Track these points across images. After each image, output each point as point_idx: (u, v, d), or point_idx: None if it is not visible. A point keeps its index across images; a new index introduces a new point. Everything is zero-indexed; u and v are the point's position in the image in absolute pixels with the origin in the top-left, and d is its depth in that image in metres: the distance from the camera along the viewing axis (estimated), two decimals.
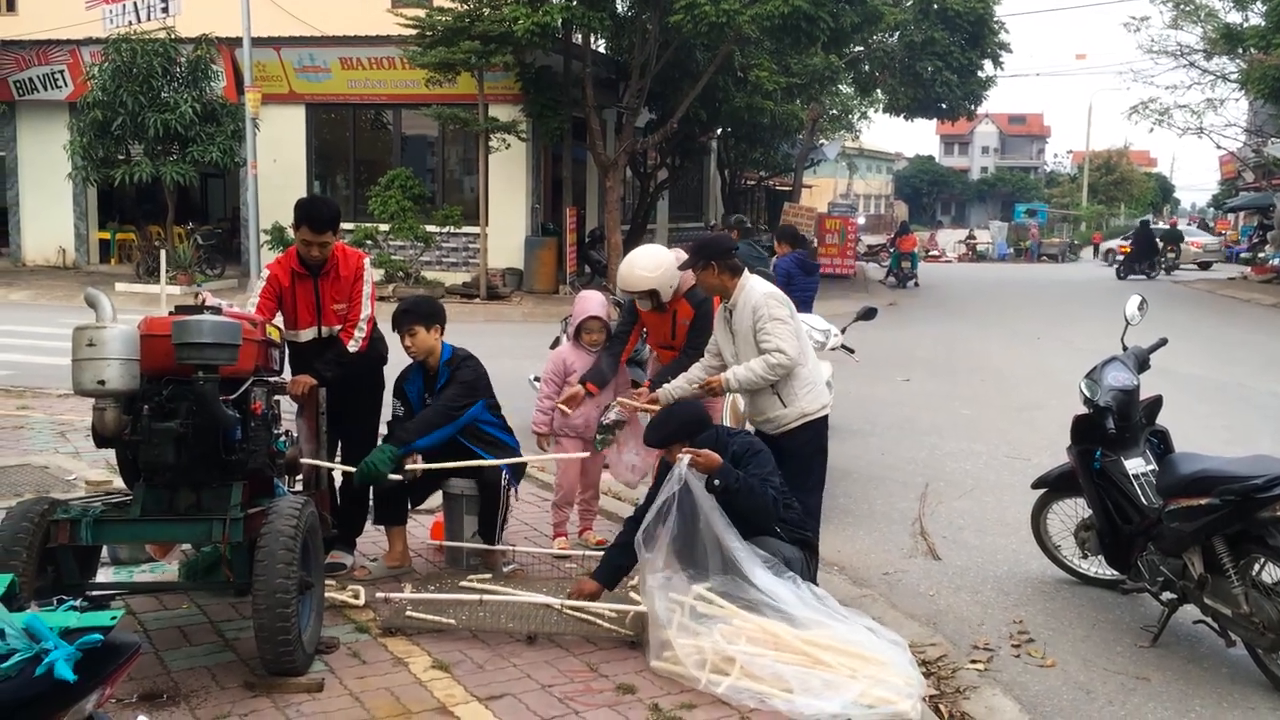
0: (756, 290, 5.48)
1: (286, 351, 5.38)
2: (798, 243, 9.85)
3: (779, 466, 5.10)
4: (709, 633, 4.40)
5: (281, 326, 5.43)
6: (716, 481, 4.73)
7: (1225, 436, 9.40)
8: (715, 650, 4.32)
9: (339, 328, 5.56)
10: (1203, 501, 4.74)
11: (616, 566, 5.01)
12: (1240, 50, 28.34)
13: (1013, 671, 4.89)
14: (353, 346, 5.54)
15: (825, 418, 5.66)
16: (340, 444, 5.77)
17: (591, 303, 6.35)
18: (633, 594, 4.98)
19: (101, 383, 4.13)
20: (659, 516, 4.63)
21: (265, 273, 5.59)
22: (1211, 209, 67.56)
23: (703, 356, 5.81)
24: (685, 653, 4.35)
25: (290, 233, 5.73)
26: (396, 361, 5.85)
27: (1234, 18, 29.38)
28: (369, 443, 5.62)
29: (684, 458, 4.77)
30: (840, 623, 4.50)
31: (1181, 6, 31.04)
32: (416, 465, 5.38)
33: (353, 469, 5.34)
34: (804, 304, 9.26)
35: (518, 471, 5.87)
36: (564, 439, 6.29)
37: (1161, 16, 34.24)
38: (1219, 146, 38.49)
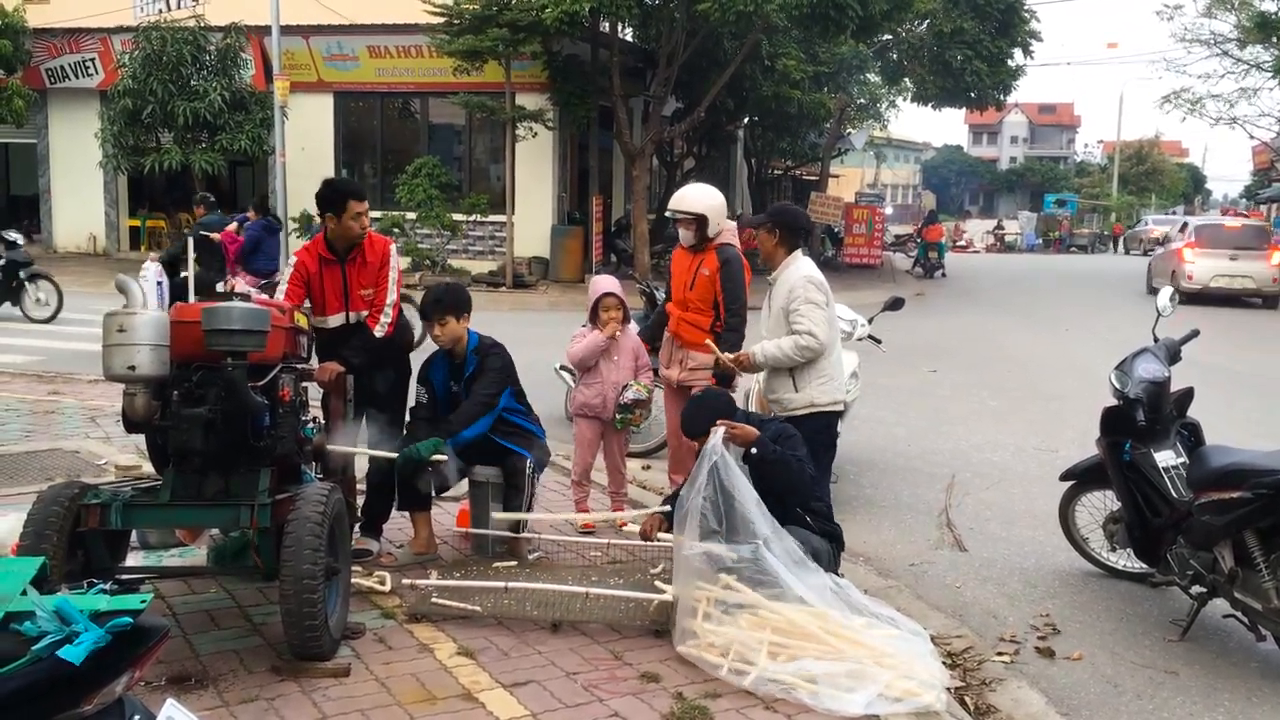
0: (798, 271, 5.56)
1: (314, 339, 5.41)
2: (265, 210, 12.84)
3: None
4: (734, 622, 4.40)
5: (309, 313, 5.46)
6: (754, 450, 4.76)
7: (1257, 430, 9.30)
8: (740, 640, 4.31)
9: (366, 313, 5.59)
10: (1234, 495, 4.70)
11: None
12: (1275, 39, 27.99)
13: (1039, 664, 4.86)
14: (379, 331, 5.57)
15: (836, 413, 5.67)
16: (366, 430, 5.79)
17: (605, 282, 6.42)
18: (658, 583, 4.98)
19: (132, 368, 4.17)
20: (693, 492, 4.62)
21: (293, 259, 5.64)
22: (1244, 200, 66.77)
23: (741, 319, 5.94)
24: (710, 641, 4.35)
25: (318, 220, 5.79)
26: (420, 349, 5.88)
27: (1269, 6, 29.00)
28: (394, 429, 5.63)
29: (718, 430, 4.79)
30: (863, 617, 4.49)
31: None
32: (385, 453, 5.39)
33: (393, 455, 5.35)
34: (271, 260, 12.62)
35: (542, 459, 5.88)
36: (581, 419, 6.33)
37: (1195, 5, 33.93)
38: (1252, 136, 38.06)
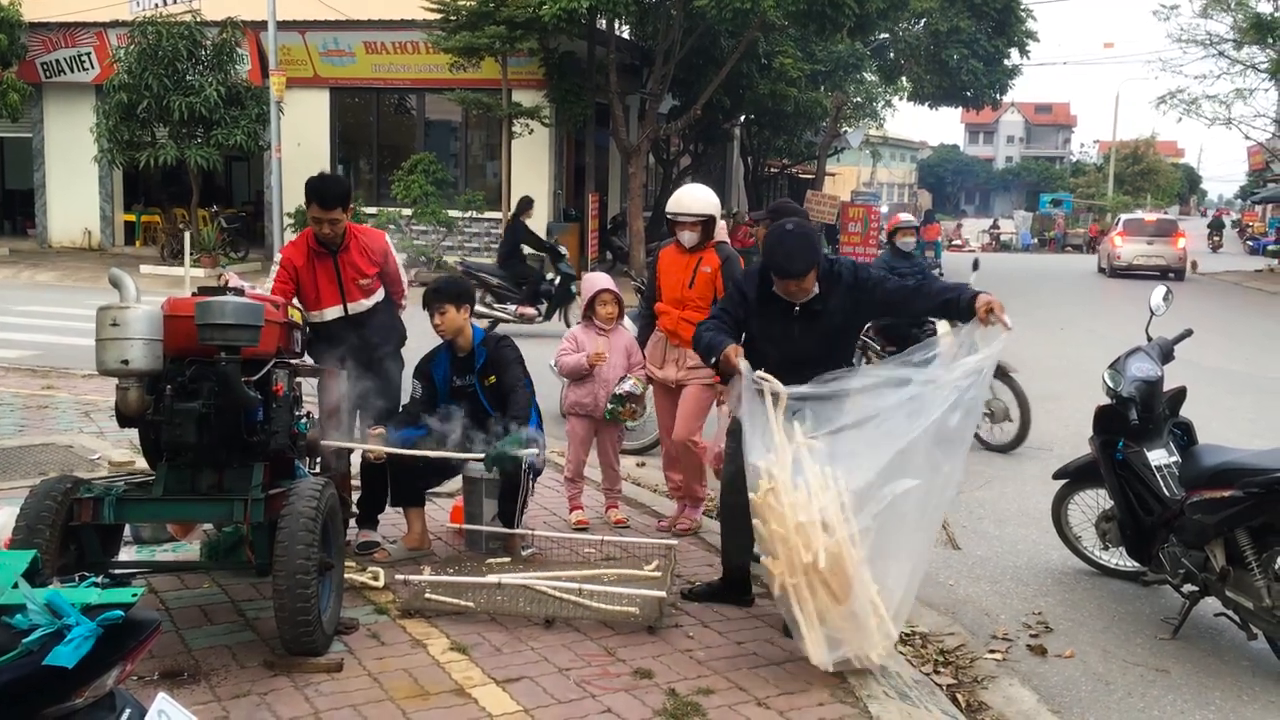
0: None
1: (307, 334, 5.40)
2: None
3: None
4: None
5: (302, 309, 5.46)
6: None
7: (1250, 429, 9.32)
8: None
9: (365, 303, 5.60)
10: (1226, 494, 4.71)
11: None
12: (1270, 40, 28.05)
13: (1031, 662, 4.87)
14: (406, 303, 6.01)
15: None
16: (359, 426, 5.79)
17: (600, 279, 6.46)
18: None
19: (125, 362, 4.16)
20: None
21: (278, 257, 5.63)
22: (1239, 200, 66.90)
23: None
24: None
25: None
26: (414, 346, 5.88)
27: (1264, 7, 29.07)
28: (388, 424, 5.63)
29: (999, 319, 4.30)
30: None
31: None
32: (379, 448, 5.38)
33: (479, 457, 5.33)
34: None
35: (539, 455, 5.87)
36: (573, 417, 6.34)
37: (1191, 5, 33.95)
38: (1247, 137, 38.10)
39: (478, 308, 13.63)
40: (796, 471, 4.24)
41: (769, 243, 4.82)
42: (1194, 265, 30.25)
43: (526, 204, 15.86)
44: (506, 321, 14.25)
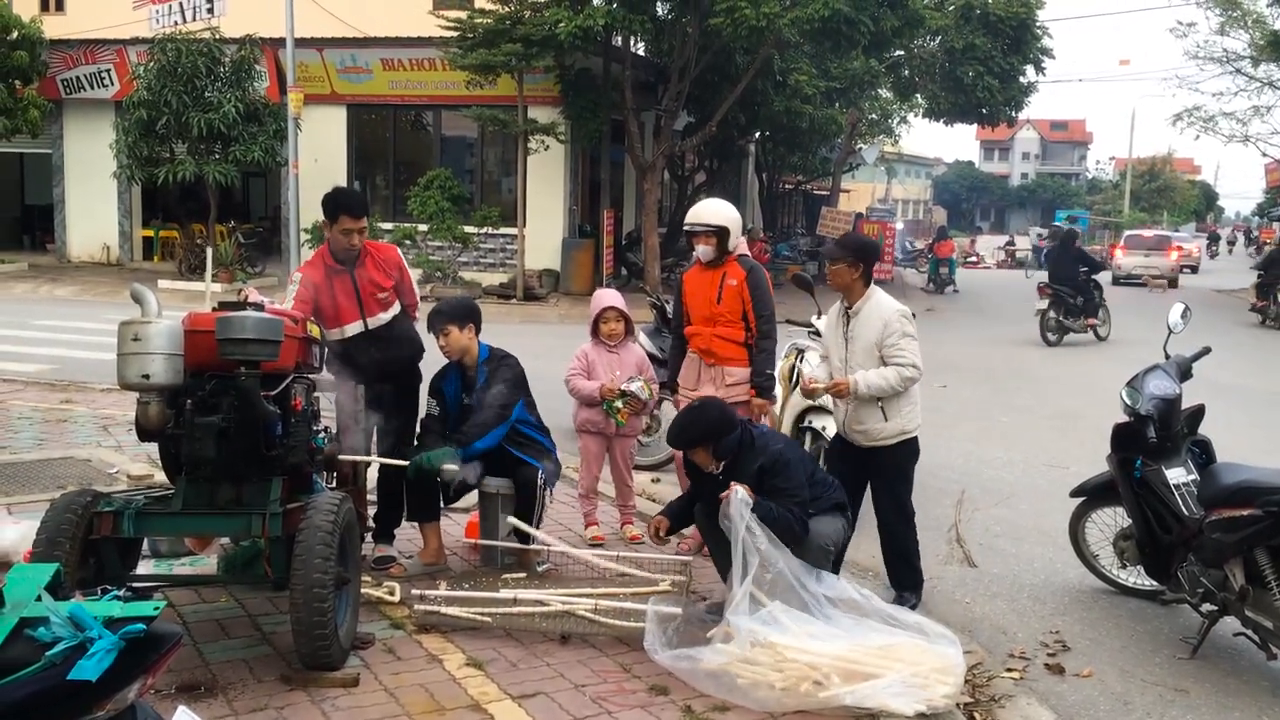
0: (888, 305, 5.54)
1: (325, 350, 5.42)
2: None
3: (869, 479, 5.45)
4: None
5: (322, 327, 5.47)
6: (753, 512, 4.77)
7: (1268, 447, 9.27)
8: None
9: (384, 316, 5.61)
10: (1245, 512, 4.69)
11: (679, 512, 5.35)
12: None
13: (1049, 681, 4.85)
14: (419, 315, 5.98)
15: (917, 435, 5.65)
16: (376, 439, 5.81)
17: (607, 296, 6.47)
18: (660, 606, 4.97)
19: (146, 377, 4.20)
20: (741, 573, 4.57)
21: (298, 276, 5.63)
22: (1256, 217, 66.65)
23: (772, 327, 5.96)
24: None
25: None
26: (431, 360, 5.89)
27: None
28: (406, 438, 5.65)
29: (740, 493, 4.73)
30: (884, 636, 4.44)
31: (1229, 13, 30.60)
32: (389, 460, 5.41)
33: (405, 463, 5.36)
34: None
35: (553, 471, 5.88)
36: (585, 434, 6.34)
37: (1208, 22, 33.87)
38: (1264, 154, 37.92)
39: (1063, 320, 16.83)
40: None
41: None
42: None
43: (1078, 234, 19.23)
44: (1077, 332, 17.25)
